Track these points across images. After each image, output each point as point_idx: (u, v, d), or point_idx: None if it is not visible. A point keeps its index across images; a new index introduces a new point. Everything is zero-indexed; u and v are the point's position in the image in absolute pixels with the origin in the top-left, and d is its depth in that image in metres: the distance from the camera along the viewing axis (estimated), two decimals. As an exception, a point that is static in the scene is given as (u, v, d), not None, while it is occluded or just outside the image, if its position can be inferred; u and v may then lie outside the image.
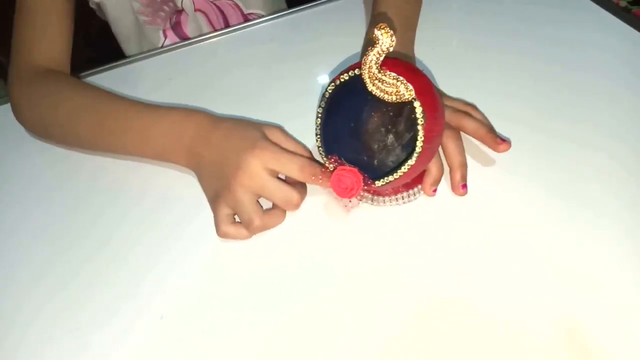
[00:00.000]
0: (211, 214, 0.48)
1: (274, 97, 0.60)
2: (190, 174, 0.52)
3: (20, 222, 0.52)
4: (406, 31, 0.59)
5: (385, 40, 0.37)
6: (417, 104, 0.39)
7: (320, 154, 0.45)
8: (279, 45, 0.68)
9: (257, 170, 0.45)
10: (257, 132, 0.48)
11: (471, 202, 0.47)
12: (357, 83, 0.41)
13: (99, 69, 0.68)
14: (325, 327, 0.41)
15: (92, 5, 0.73)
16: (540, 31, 0.63)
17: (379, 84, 0.40)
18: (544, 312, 0.39)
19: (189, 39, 0.76)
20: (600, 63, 0.58)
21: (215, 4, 0.76)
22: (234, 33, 0.71)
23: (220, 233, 0.47)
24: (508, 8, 0.68)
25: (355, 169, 0.42)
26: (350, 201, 0.46)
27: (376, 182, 0.42)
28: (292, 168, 0.46)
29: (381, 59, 0.38)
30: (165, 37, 0.76)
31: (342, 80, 0.42)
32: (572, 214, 0.45)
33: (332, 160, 0.44)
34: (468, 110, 0.53)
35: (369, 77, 0.40)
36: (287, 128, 0.53)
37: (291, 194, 0.46)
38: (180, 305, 0.43)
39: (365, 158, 0.46)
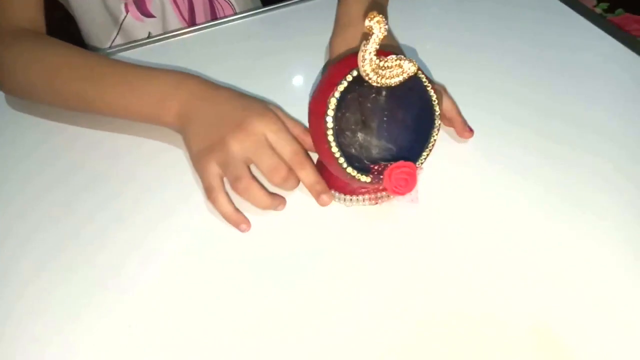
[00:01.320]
0: (196, 210, 0.47)
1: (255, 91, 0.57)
2: (181, 166, 0.50)
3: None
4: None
5: (382, 27, 0.36)
6: (420, 72, 0.40)
7: (344, 169, 0.40)
8: (252, 43, 0.66)
9: (258, 132, 0.45)
10: (263, 103, 0.49)
11: (465, 204, 0.46)
12: (356, 85, 0.39)
13: None
14: (317, 334, 0.39)
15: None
16: (518, 35, 0.63)
17: (383, 72, 0.38)
18: (540, 315, 0.39)
19: (151, 15, 0.73)
20: (577, 67, 0.58)
21: (182, -18, 0.72)
22: (205, 30, 0.68)
23: (211, 197, 0.46)
24: (486, 9, 0.67)
25: (403, 162, 0.40)
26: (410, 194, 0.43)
27: (417, 164, 0.42)
28: (287, 148, 0.46)
29: (377, 48, 0.37)
30: (127, 11, 0.72)
31: (340, 91, 0.39)
32: (569, 217, 0.45)
33: (376, 167, 0.41)
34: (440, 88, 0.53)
35: (373, 70, 0.38)
36: None
37: (281, 165, 0.45)
38: (153, 310, 0.41)
39: (394, 149, 0.43)
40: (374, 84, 0.39)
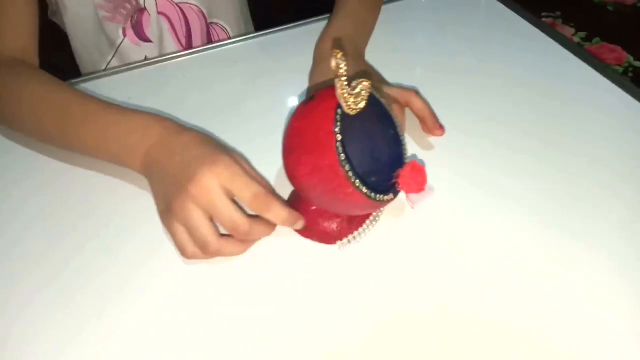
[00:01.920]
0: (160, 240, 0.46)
1: (237, 118, 0.59)
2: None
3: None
4: (361, 35, 0.64)
5: (343, 65, 0.37)
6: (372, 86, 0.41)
7: (373, 198, 0.40)
8: (243, 67, 0.68)
9: (211, 185, 0.42)
10: (223, 150, 0.45)
11: (461, 210, 0.48)
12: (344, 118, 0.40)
13: None
14: (316, 344, 0.40)
15: (48, -2, 0.71)
16: (498, 61, 0.65)
17: (355, 100, 0.39)
18: (537, 317, 0.40)
19: (149, 40, 0.75)
20: (555, 93, 0.61)
21: (179, 7, 0.74)
22: (197, 54, 0.70)
23: (186, 257, 0.44)
24: (467, 35, 0.70)
25: (413, 164, 0.41)
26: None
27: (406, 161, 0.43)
28: (246, 194, 0.43)
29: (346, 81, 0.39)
30: (125, 36, 0.74)
31: (340, 132, 0.39)
32: (565, 221, 0.47)
33: (396, 176, 0.42)
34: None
35: (353, 101, 0.39)
36: (250, 149, 0.53)
37: (241, 219, 0.42)
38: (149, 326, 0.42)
39: (387, 163, 0.45)
40: (354, 112, 0.40)
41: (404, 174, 0.41)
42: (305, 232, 0.46)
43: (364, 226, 0.47)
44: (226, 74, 0.66)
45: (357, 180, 0.39)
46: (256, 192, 0.43)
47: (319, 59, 0.60)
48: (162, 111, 0.58)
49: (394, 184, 0.42)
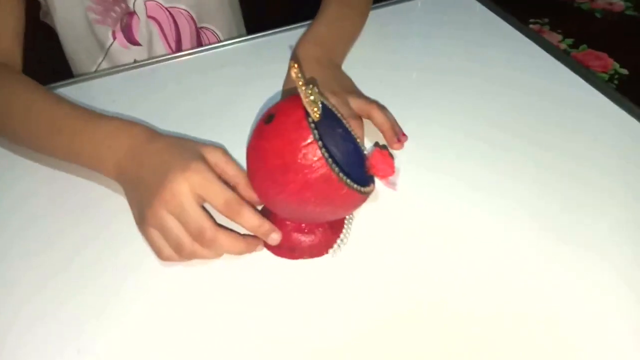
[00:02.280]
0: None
1: (226, 121, 0.60)
2: None
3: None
4: (337, 42, 0.64)
5: (298, 76, 0.39)
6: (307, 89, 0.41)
7: (357, 189, 0.41)
8: (232, 70, 0.68)
9: (182, 191, 0.41)
10: (194, 153, 0.45)
11: (459, 215, 0.49)
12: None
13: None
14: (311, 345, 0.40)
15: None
16: (488, 70, 0.66)
17: (316, 105, 0.40)
18: (537, 318, 0.41)
19: (138, 43, 0.75)
20: (541, 100, 0.61)
21: (169, 11, 0.74)
22: (186, 57, 0.70)
23: (163, 260, 0.44)
24: (455, 45, 0.70)
25: (377, 150, 0.42)
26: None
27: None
28: (218, 200, 0.42)
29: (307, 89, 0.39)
30: (114, 38, 0.74)
31: (316, 134, 0.40)
32: (563, 228, 0.47)
33: (369, 166, 0.42)
34: (377, 106, 0.56)
35: (315, 109, 0.39)
36: (239, 152, 0.51)
37: (207, 224, 0.42)
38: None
39: (351, 162, 0.45)
40: (318, 118, 0.40)
41: (375, 161, 0.42)
42: (292, 254, 0.46)
43: (345, 227, 0.47)
44: (215, 77, 0.67)
45: (348, 180, 0.39)
46: (227, 198, 0.42)
47: (301, 60, 0.60)
48: (148, 113, 0.59)
49: (370, 174, 0.42)
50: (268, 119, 0.41)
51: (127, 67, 0.69)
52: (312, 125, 0.39)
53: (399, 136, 0.54)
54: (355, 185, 0.40)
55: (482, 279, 0.44)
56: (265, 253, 0.46)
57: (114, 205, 0.50)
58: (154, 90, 0.65)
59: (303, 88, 0.39)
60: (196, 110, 0.61)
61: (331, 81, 0.57)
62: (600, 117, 0.59)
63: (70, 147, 0.50)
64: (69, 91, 0.64)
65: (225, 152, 0.48)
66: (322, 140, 0.39)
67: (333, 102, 0.52)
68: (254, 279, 0.45)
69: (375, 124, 0.55)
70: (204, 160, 0.44)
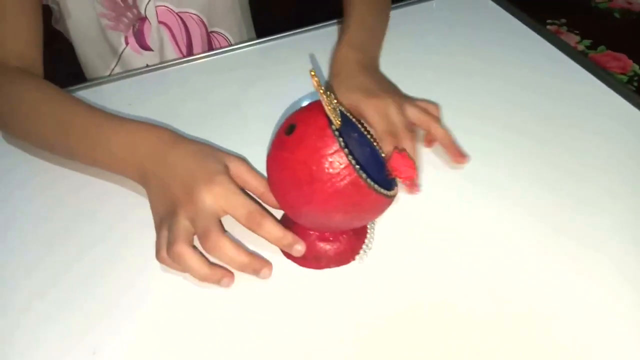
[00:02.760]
0: None
1: (236, 124, 0.60)
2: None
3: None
4: (374, 45, 0.64)
5: (318, 84, 0.38)
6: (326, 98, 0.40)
7: (383, 193, 0.40)
8: (242, 73, 0.68)
9: (206, 203, 0.43)
10: (219, 164, 0.46)
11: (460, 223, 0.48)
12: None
13: None
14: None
15: (51, 5, 0.72)
16: (504, 71, 0.65)
17: (337, 112, 0.40)
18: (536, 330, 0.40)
19: (149, 49, 0.75)
20: (558, 102, 0.60)
21: (179, 16, 0.75)
22: (197, 61, 0.71)
23: (157, 257, 0.44)
24: (470, 46, 0.70)
25: (396, 153, 0.42)
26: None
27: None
28: (240, 213, 0.43)
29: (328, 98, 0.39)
30: (127, 43, 0.74)
31: (342, 141, 0.40)
32: (564, 232, 0.47)
33: (391, 169, 0.42)
34: (434, 112, 0.54)
35: (336, 116, 0.40)
36: (249, 155, 0.53)
37: (211, 230, 0.42)
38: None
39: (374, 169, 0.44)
40: (339, 125, 0.40)
41: (396, 164, 0.41)
42: (319, 264, 0.45)
43: (369, 231, 0.47)
44: (225, 81, 0.67)
45: (376, 185, 0.39)
46: (250, 210, 0.43)
47: (337, 72, 0.58)
48: (162, 116, 0.59)
49: (392, 177, 0.42)
50: (289, 130, 0.41)
51: (140, 71, 0.70)
52: (337, 132, 0.39)
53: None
54: (382, 190, 0.40)
55: (491, 278, 0.44)
56: (277, 259, 0.45)
57: (126, 203, 0.51)
58: (166, 93, 0.66)
59: (324, 96, 0.38)
60: (207, 113, 0.61)
61: (377, 87, 0.55)
62: (619, 119, 0.58)
63: (93, 150, 0.51)
64: (83, 95, 0.64)
65: (247, 162, 0.49)
66: (347, 147, 0.39)
67: (389, 102, 0.52)
68: (262, 281, 0.44)
69: (434, 137, 0.53)
70: (227, 171, 0.45)
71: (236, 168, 0.47)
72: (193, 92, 0.65)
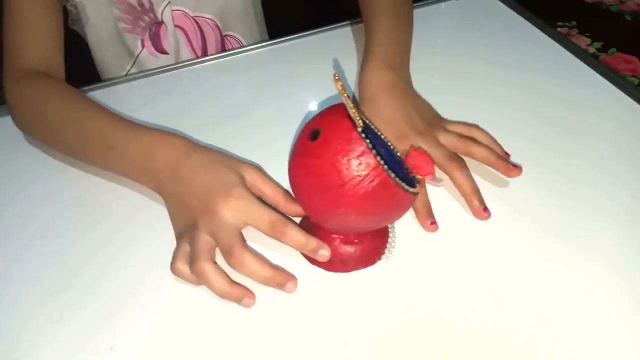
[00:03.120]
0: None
1: (249, 125, 0.61)
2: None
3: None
4: (398, 54, 0.59)
5: (342, 88, 0.39)
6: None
7: (409, 190, 0.41)
8: (254, 74, 0.69)
9: (226, 217, 0.43)
10: (234, 175, 0.46)
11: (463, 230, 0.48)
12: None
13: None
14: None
15: (69, 7, 0.73)
16: (514, 73, 0.66)
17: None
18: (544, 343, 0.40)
19: (165, 52, 0.77)
20: (568, 104, 0.61)
21: (195, 20, 0.76)
22: (210, 62, 0.72)
23: (172, 268, 0.44)
24: (480, 48, 0.70)
25: (412, 151, 0.42)
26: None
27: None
28: (262, 223, 0.43)
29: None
30: (143, 47, 0.76)
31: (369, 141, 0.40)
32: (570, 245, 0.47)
33: (410, 167, 0.42)
34: (473, 134, 0.53)
35: (359, 118, 0.40)
36: (261, 156, 0.54)
37: (235, 245, 0.42)
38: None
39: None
40: (362, 125, 0.40)
41: (414, 161, 0.42)
42: (345, 267, 0.45)
43: (390, 229, 0.47)
44: (239, 81, 0.68)
45: (403, 183, 0.40)
46: (271, 219, 0.43)
47: (367, 99, 0.55)
48: (176, 117, 0.60)
49: (412, 174, 0.42)
50: (313, 135, 0.40)
51: (154, 71, 0.71)
52: (363, 134, 0.39)
53: (510, 163, 0.51)
54: (410, 189, 0.40)
55: (493, 279, 0.44)
56: (294, 260, 0.46)
57: (137, 203, 0.52)
58: (181, 94, 0.67)
59: (349, 100, 0.39)
60: (221, 114, 0.62)
61: (411, 115, 0.53)
62: (631, 122, 0.58)
63: (109, 156, 0.51)
64: (98, 95, 0.66)
65: (262, 170, 0.49)
66: (375, 147, 0.39)
67: (420, 145, 0.50)
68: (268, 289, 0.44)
69: (479, 160, 0.51)
70: (243, 182, 0.46)
71: (251, 177, 0.47)
72: (207, 93, 0.66)
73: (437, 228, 0.47)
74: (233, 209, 0.43)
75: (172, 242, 0.47)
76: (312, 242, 0.43)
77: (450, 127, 0.54)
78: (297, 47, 0.73)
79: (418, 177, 0.42)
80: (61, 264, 0.48)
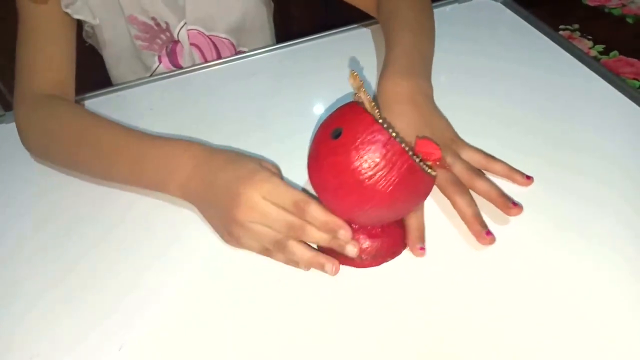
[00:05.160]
0: (186, 243, 0.50)
1: (258, 129, 0.62)
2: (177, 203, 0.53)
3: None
4: (419, 64, 0.58)
5: (359, 84, 0.41)
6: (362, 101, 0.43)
7: (431, 174, 0.42)
8: (266, 78, 0.71)
9: (256, 200, 0.44)
10: (254, 163, 0.48)
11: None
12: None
13: (81, 96, 0.69)
14: None
15: (86, 28, 0.75)
16: (516, 76, 0.66)
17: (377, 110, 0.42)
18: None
19: (181, 67, 0.79)
20: (569, 106, 0.61)
21: (210, 39, 0.78)
22: (220, 66, 0.73)
23: (275, 257, 0.47)
24: (484, 51, 0.71)
25: (418, 139, 0.44)
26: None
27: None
28: (286, 200, 0.44)
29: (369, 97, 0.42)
30: (160, 62, 0.78)
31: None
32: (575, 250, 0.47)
33: (422, 154, 0.43)
34: (488, 165, 0.52)
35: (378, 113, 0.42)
36: (272, 158, 0.55)
37: (292, 220, 0.44)
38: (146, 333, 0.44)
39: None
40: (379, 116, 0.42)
41: (422, 148, 0.43)
42: (375, 261, 0.46)
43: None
44: (246, 85, 0.69)
45: (425, 166, 0.41)
46: (295, 198, 0.44)
47: (389, 106, 0.54)
48: (183, 121, 0.62)
49: (424, 160, 0.43)
50: (336, 135, 0.41)
51: (162, 76, 0.73)
52: (385, 124, 0.40)
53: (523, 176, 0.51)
54: (432, 172, 0.42)
55: (495, 277, 0.45)
56: (268, 300, 0.46)
57: (132, 200, 0.54)
58: (188, 98, 0.68)
59: (366, 93, 0.41)
60: (228, 118, 0.64)
61: (429, 129, 0.52)
62: (632, 125, 0.58)
63: (131, 171, 0.53)
64: (106, 100, 0.68)
65: (277, 167, 0.53)
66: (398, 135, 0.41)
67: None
68: (273, 288, 0.46)
69: (480, 195, 0.50)
70: (263, 167, 0.47)
71: (269, 167, 0.49)
72: (214, 97, 0.68)
73: (425, 254, 0.46)
74: (259, 191, 0.45)
75: (174, 240, 0.50)
76: (335, 219, 0.44)
77: (465, 154, 0.52)
78: (305, 50, 0.75)
79: (428, 163, 0.43)
80: (57, 263, 0.50)
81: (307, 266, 0.46)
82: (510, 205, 0.48)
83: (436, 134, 0.53)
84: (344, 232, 0.44)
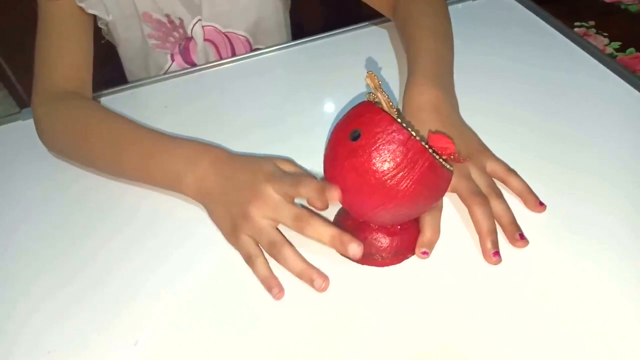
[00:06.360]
0: (200, 238, 0.50)
1: (272, 126, 0.63)
2: (184, 204, 0.54)
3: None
4: (444, 73, 0.57)
5: (376, 82, 0.41)
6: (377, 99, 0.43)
7: (450, 170, 0.42)
8: (280, 75, 0.71)
9: (269, 193, 0.46)
10: (271, 164, 0.49)
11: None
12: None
13: (97, 93, 0.70)
14: None
15: (100, 25, 0.76)
16: (531, 73, 0.66)
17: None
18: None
19: (194, 64, 0.79)
20: (584, 104, 0.61)
21: (226, 35, 0.79)
22: (234, 63, 0.74)
23: (249, 263, 0.47)
24: (500, 50, 0.71)
25: (430, 135, 0.42)
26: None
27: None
28: (304, 191, 0.44)
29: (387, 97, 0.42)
30: (173, 60, 0.79)
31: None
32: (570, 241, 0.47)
33: (437, 149, 0.42)
34: (508, 179, 0.51)
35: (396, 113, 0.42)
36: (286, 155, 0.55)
37: (300, 212, 0.45)
38: (160, 331, 0.44)
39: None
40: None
41: (436, 142, 0.42)
42: (397, 258, 0.47)
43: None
44: (261, 83, 0.70)
45: (444, 162, 0.41)
46: (313, 187, 0.44)
47: (415, 113, 0.53)
48: (197, 119, 0.63)
49: (440, 155, 0.43)
50: (355, 135, 0.41)
51: (176, 73, 0.73)
52: (403, 124, 0.40)
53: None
54: (450, 167, 0.42)
55: (496, 276, 0.45)
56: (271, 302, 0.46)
57: (138, 199, 0.55)
58: (202, 96, 0.69)
59: (384, 93, 0.41)
60: (242, 116, 0.64)
61: (458, 136, 0.51)
62: None
63: (147, 169, 0.53)
64: (120, 97, 0.69)
65: (294, 162, 0.53)
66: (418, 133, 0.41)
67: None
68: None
69: (513, 190, 0.51)
70: (279, 168, 0.49)
71: (285, 166, 0.50)
72: (228, 94, 0.68)
73: (427, 258, 0.47)
74: (273, 186, 0.46)
75: (189, 236, 0.51)
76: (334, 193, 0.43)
77: (489, 166, 0.52)
78: (319, 47, 0.75)
79: (444, 158, 0.42)
80: (65, 262, 0.50)
81: (298, 276, 0.46)
82: (517, 237, 0.47)
83: (464, 143, 0.52)
84: (355, 245, 0.44)
